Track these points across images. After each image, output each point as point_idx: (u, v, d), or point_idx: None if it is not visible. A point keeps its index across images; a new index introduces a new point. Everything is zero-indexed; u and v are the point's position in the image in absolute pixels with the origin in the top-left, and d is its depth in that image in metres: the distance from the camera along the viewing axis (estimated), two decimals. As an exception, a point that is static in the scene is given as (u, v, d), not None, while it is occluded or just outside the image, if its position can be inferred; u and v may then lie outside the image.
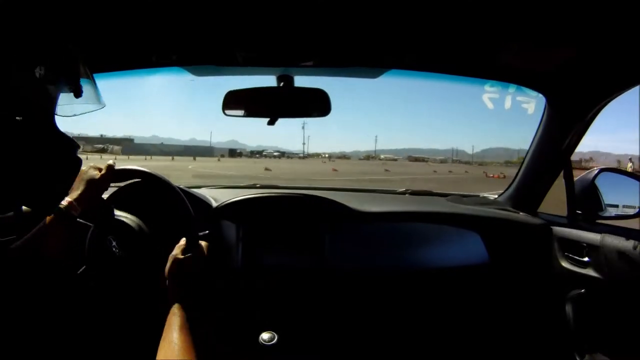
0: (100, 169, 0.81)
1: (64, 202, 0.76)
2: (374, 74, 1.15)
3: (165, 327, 0.66)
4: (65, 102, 0.67)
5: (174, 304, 0.70)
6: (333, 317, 1.18)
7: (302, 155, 71.61)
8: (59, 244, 0.73)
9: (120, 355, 0.98)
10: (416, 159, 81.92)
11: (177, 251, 0.79)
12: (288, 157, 58.32)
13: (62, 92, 0.63)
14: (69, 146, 0.63)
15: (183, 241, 0.80)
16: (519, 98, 1.18)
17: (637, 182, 1.07)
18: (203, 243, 0.82)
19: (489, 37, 0.89)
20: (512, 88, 1.15)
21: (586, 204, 1.12)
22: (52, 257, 0.71)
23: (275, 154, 57.85)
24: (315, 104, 1.04)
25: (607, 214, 1.11)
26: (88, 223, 0.81)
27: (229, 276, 1.11)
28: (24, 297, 0.69)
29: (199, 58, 1.05)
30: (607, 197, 1.13)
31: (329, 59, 1.04)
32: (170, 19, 0.85)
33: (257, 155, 54.66)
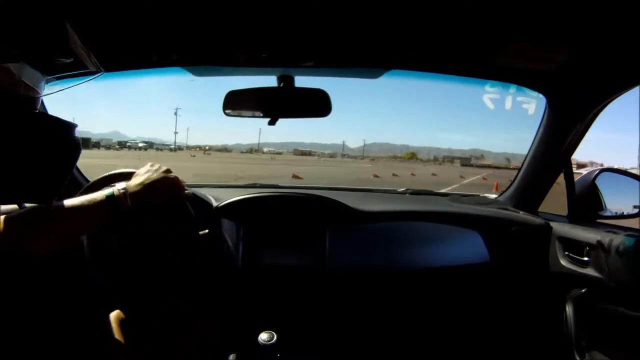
0: (177, 180, 0.78)
1: (121, 188, 0.71)
2: (374, 74, 1.15)
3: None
4: (52, 77, 0.61)
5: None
6: (333, 317, 1.19)
7: (172, 147, 57.26)
8: (85, 228, 0.69)
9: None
10: (302, 153, 78.26)
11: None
12: (157, 149, 49.85)
13: (37, 69, 0.56)
14: (63, 128, 0.57)
15: None
16: (519, 98, 1.18)
17: (637, 182, 1.07)
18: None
19: (490, 38, 0.88)
20: (512, 88, 1.15)
21: (586, 203, 1.12)
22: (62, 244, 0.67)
23: (141, 145, 49.26)
24: (316, 104, 1.04)
25: (607, 214, 1.12)
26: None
27: (229, 275, 1.12)
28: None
29: (200, 58, 1.05)
30: (608, 197, 1.13)
31: (330, 59, 1.04)
32: (171, 19, 0.85)
33: (118, 147, 46.78)
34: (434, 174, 23.90)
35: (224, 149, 75.68)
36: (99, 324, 0.99)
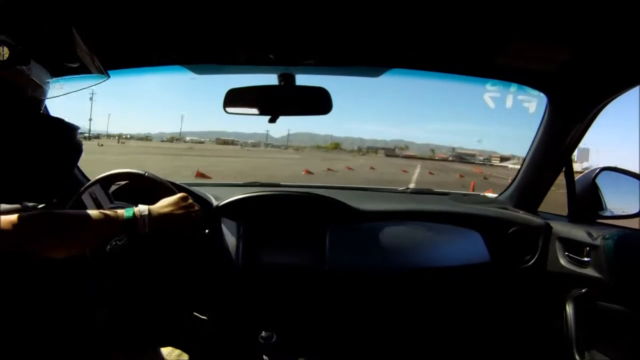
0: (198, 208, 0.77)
1: (143, 212, 0.69)
2: (375, 73, 1.15)
3: None
4: (55, 81, 0.60)
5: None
6: (333, 316, 1.18)
7: (87, 135, 49.29)
8: (96, 242, 0.68)
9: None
10: (225, 142, 77.86)
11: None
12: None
13: (40, 74, 0.55)
14: (67, 130, 0.58)
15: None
16: (520, 97, 1.18)
17: (637, 182, 1.07)
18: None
19: (491, 37, 0.89)
20: (513, 87, 1.16)
21: (587, 203, 1.12)
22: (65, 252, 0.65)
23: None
24: (316, 102, 1.04)
25: (607, 214, 1.11)
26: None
27: (229, 275, 1.11)
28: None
29: (201, 57, 1.05)
30: (608, 196, 1.13)
31: (330, 58, 1.05)
32: (172, 18, 0.85)
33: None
34: (372, 168, 20.91)
35: (145, 138, 71.76)
36: (99, 324, 0.99)
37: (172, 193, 0.87)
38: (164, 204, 0.75)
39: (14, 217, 0.60)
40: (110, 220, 0.67)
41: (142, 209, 0.70)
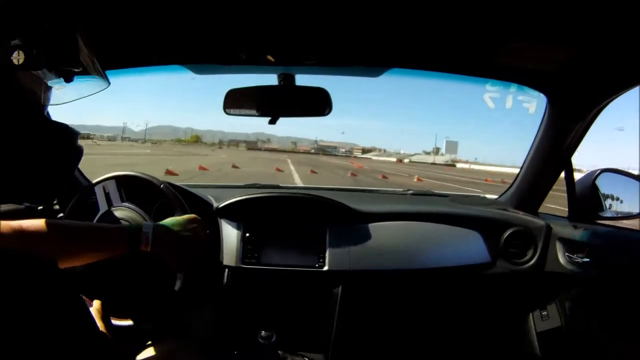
0: (205, 230, 0.74)
1: (147, 228, 0.66)
2: (375, 73, 1.15)
3: None
4: (58, 87, 0.59)
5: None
6: (333, 317, 1.18)
7: None
8: (90, 258, 0.66)
9: None
10: (81, 137, 75.62)
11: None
12: None
13: (49, 78, 0.55)
14: (67, 135, 0.58)
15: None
16: (520, 97, 1.18)
17: (637, 183, 1.07)
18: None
19: (491, 37, 0.88)
20: (513, 87, 1.15)
21: (587, 204, 1.12)
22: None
23: None
24: (317, 103, 1.04)
25: (607, 214, 1.11)
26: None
27: (229, 275, 1.12)
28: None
29: (201, 57, 1.05)
30: (608, 197, 1.13)
31: (330, 58, 1.04)
32: (172, 18, 0.85)
33: None
34: (235, 167, 16.23)
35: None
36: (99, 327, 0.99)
37: (184, 210, 0.87)
38: (173, 221, 0.73)
39: (17, 223, 0.61)
40: (114, 239, 0.67)
41: (147, 226, 0.69)
